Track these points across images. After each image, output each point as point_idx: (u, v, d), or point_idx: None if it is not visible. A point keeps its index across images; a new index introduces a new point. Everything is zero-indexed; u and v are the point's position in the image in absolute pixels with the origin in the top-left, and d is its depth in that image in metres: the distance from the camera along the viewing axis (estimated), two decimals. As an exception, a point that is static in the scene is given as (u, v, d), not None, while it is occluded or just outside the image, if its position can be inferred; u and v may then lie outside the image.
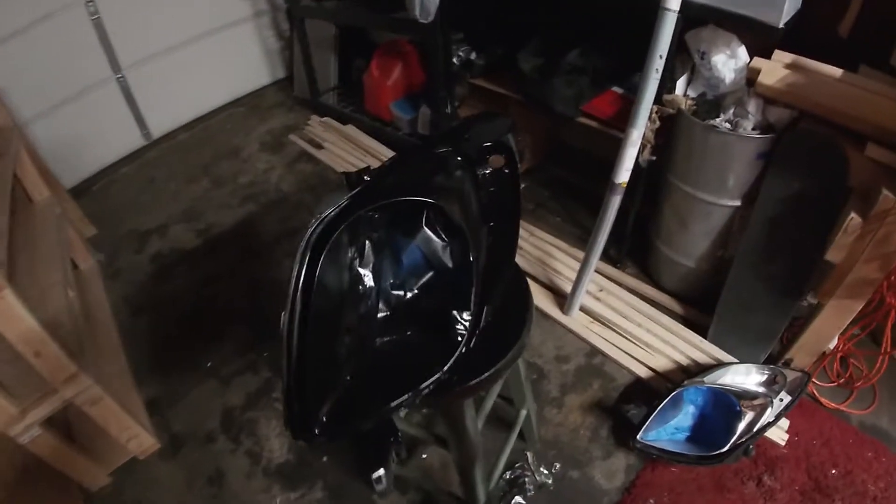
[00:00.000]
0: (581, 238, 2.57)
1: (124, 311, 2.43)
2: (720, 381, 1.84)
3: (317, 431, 0.82)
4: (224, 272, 2.57)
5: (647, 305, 2.24)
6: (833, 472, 1.78)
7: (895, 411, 1.96)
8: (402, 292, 1.06)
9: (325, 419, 0.84)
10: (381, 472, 1.57)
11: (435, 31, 2.41)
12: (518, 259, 1.34)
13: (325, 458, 1.87)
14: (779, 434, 1.84)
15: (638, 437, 1.78)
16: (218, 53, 3.46)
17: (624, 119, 1.90)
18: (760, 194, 1.77)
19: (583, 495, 1.77)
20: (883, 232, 1.48)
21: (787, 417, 1.82)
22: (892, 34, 1.64)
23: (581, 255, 2.33)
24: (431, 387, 0.91)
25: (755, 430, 1.73)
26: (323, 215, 0.88)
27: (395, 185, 1.00)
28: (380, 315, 1.02)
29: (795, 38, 1.63)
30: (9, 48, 2.63)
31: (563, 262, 2.42)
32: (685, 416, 1.88)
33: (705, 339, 2.09)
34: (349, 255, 0.99)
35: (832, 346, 1.90)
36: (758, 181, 1.79)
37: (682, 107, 1.85)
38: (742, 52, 1.74)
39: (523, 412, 1.62)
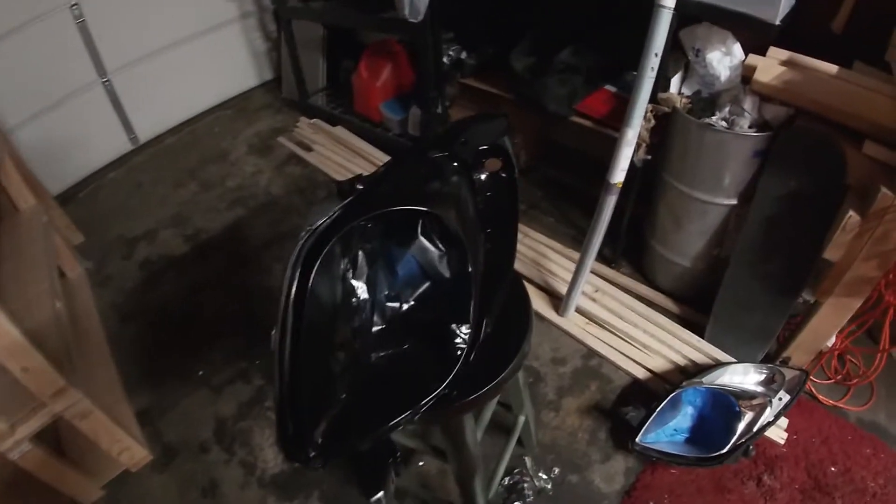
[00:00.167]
0: (575, 238, 2.56)
1: (113, 320, 2.39)
2: (718, 382, 1.83)
3: (312, 453, 0.79)
4: (213, 278, 2.54)
5: (643, 306, 2.22)
6: (832, 469, 1.78)
7: (892, 407, 1.96)
8: (397, 304, 1.03)
9: (320, 440, 0.81)
10: (381, 495, 1.53)
11: (425, 30, 2.38)
12: (513, 262, 1.31)
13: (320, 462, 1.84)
14: (778, 433, 1.83)
15: (637, 439, 1.76)
16: (204, 56, 3.41)
17: (618, 118, 1.88)
18: (757, 193, 1.76)
19: (582, 499, 1.76)
20: (881, 230, 1.47)
21: (785, 416, 1.81)
22: (886, 30, 1.63)
23: (575, 255, 2.32)
24: (431, 403, 0.88)
25: (755, 430, 1.72)
26: (314, 226, 0.85)
27: (389, 194, 0.97)
28: (375, 328, 0.99)
29: (789, 34, 1.61)
30: (-8, 53, 2.59)
31: (557, 263, 2.40)
32: (684, 418, 1.87)
33: (702, 338, 2.08)
34: (342, 266, 0.96)
35: (830, 343, 1.89)
36: (754, 179, 1.78)
37: (678, 105, 1.83)
38: (737, 49, 1.72)
39: (521, 418, 1.60)
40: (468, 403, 0.99)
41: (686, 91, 1.91)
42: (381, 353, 0.97)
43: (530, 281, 2.36)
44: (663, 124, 1.90)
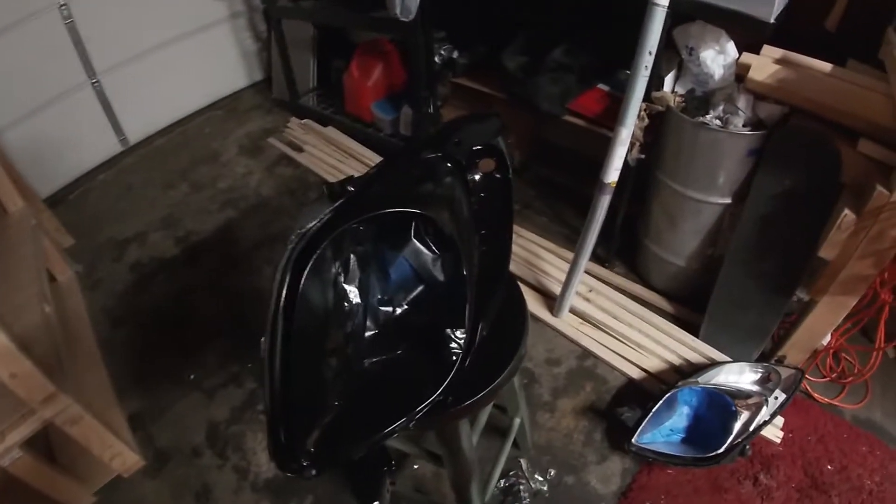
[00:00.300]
0: (568, 238, 2.55)
1: (104, 323, 2.36)
2: (714, 381, 1.82)
3: (305, 462, 0.78)
4: (204, 280, 2.51)
5: (638, 305, 2.21)
6: (829, 467, 1.78)
7: (888, 405, 1.96)
8: (390, 308, 1.01)
9: (313, 448, 0.79)
10: None
11: (416, 29, 2.36)
12: (507, 263, 1.29)
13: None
14: (774, 432, 1.83)
15: (633, 439, 1.76)
16: (194, 56, 3.38)
17: (611, 117, 1.87)
18: (751, 191, 1.75)
19: (579, 501, 1.75)
20: (877, 228, 1.46)
21: (781, 415, 1.81)
22: (879, 28, 1.63)
23: (569, 255, 2.31)
24: (426, 409, 0.86)
25: (751, 429, 1.72)
26: (304, 230, 0.83)
27: (382, 196, 0.96)
28: (367, 333, 0.97)
29: (783, 32, 1.61)
30: (-21, 55, 2.55)
31: (551, 263, 2.39)
32: (680, 418, 1.86)
33: (697, 337, 2.08)
34: (333, 270, 0.94)
35: (825, 342, 1.89)
36: (748, 178, 1.77)
37: (672, 104, 1.82)
38: (731, 47, 1.71)
39: (517, 420, 1.58)
40: (464, 409, 0.97)
41: (680, 90, 1.90)
42: (375, 359, 0.95)
43: (523, 281, 2.34)
44: (657, 123, 1.89)
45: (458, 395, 0.95)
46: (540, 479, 1.75)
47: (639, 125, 1.83)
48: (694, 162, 1.86)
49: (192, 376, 2.13)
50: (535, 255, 2.43)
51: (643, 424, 1.76)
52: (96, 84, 3.00)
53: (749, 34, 1.65)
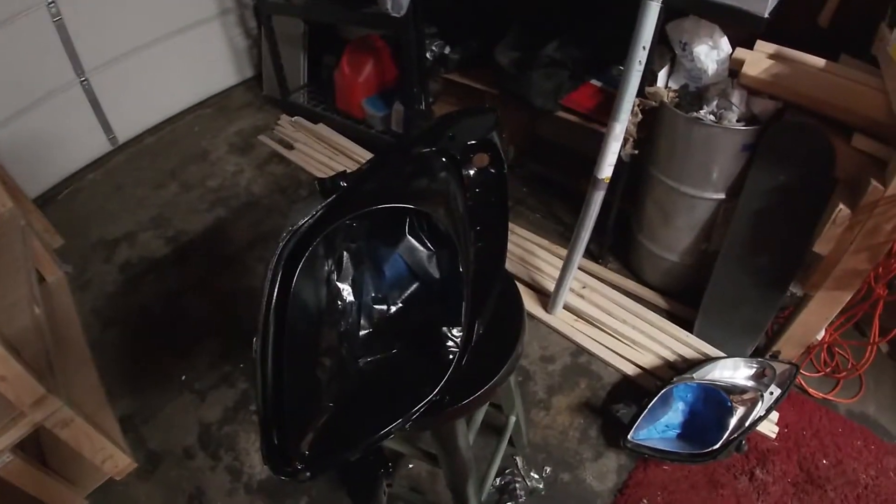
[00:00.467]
0: (562, 234, 2.54)
1: (94, 324, 2.34)
2: (709, 377, 1.82)
3: (299, 466, 0.76)
4: (195, 280, 2.49)
5: (632, 301, 2.21)
6: (824, 462, 1.78)
7: (881, 399, 1.96)
8: (385, 306, 1.00)
9: (307, 452, 0.77)
10: None
11: (407, 25, 2.34)
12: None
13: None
14: (769, 427, 1.83)
15: (629, 436, 1.75)
16: (184, 54, 3.35)
17: (604, 112, 1.86)
18: (745, 187, 1.75)
19: (575, 498, 1.75)
20: (872, 223, 1.46)
21: (776, 409, 1.81)
22: (872, 23, 1.62)
23: (562, 251, 2.31)
24: (422, 409, 0.85)
25: (747, 424, 1.72)
26: (296, 227, 0.82)
27: (375, 191, 0.94)
28: (362, 333, 0.96)
29: (775, 28, 1.60)
30: (-34, 54, 2.52)
31: (544, 260, 2.38)
32: (675, 414, 1.86)
33: (691, 333, 2.07)
34: (326, 268, 0.93)
35: (819, 337, 1.89)
36: (742, 173, 1.77)
37: (665, 99, 1.81)
38: (724, 42, 1.70)
39: (512, 418, 1.57)
40: (461, 409, 0.96)
41: (673, 85, 1.90)
42: (369, 359, 0.94)
43: (517, 278, 2.33)
44: (650, 119, 1.88)
45: (454, 395, 0.93)
46: (536, 476, 1.74)
47: (632, 121, 1.82)
48: (688, 157, 1.85)
49: (183, 377, 2.11)
50: (528, 251, 2.42)
51: (639, 421, 1.76)
52: (85, 82, 2.96)
53: (743, 29, 1.64)
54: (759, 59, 1.64)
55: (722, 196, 1.87)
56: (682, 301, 2.21)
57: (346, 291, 0.95)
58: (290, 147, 3.18)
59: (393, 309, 1.01)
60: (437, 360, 0.90)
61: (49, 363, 1.67)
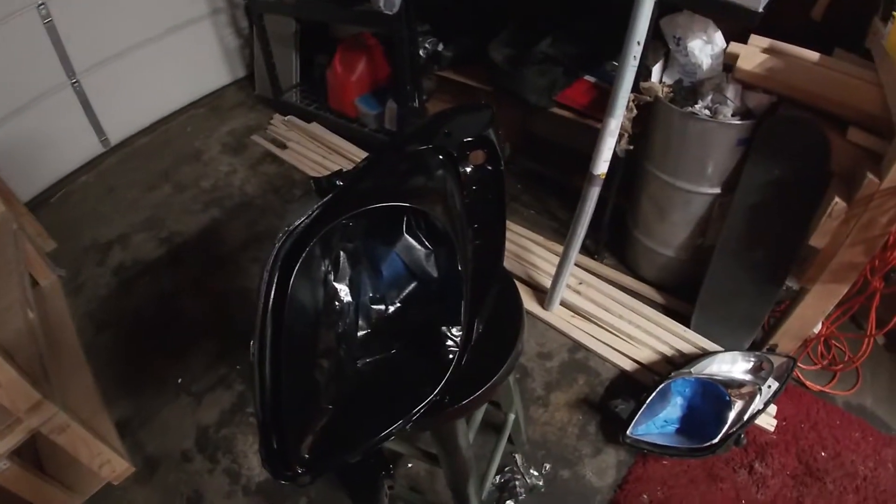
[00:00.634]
0: (557, 231, 2.54)
1: (88, 328, 2.32)
2: (707, 371, 1.82)
3: (300, 470, 0.75)
4: (190, 282, 2.48)
5: (628, 297, 2.21)
6: (822, 454, 1.79)
7: (878, 391, 1.97)
8: (382, 306, 0.99)
9: (307, 455, 0.76)
10: None
11: (400, 22, 2.33)
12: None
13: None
14: (767, 420, 1.83)
15: (628, 431, 1.75)
16: (175, 54, 3.32)
17: (598, 108, 1.86)
18: (741, 181, 1.75)
19: (575, 495, 1.75)
20: (867, 216, 1.47)
21: (774, 403, 1.81)
22: (865, 17, 1.63)
23: (558, 248, 2.31)
24: (423, 410, 0.84)
25: (745, 418, 1.72)
26: (292, 227, 0.81)
27: (372, 190, 0.93)
28: (360, 333, 0.95)
29: (769, 22, 1.60)
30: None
31: (540, 257, 2.38)
32: (674, 408, 1.86)
33: (688, 328, 2.07)
34: (322, 268, 0.92)
35: (816, 330, 1.89)
36: (738, 168, 1.77)
37: (660, 94, 1.81)
38: (718, 37, 1.70)
39: (511, 416, 1.57)
40: (461, 408, 0.95)
41: (667, 80, 1.89)
42: (368, 360, 0.93)
43: (513, 275, 2.32)
44: (645, 114, 1.88)
45: (455, 395, 0.93)
46: (535, 473, 1.74)
47: (627, 116, 1.81)
48: (683, 152, 1.85)
49: (179, 379, 2.10)
50: (524, 248, 2.42)
51: (637, 416, 1.76)
52: (76, 84, 2.94)
53: (738, 23, 1.64)
54: (753, 54, 1.64)
55: (717, 190, 1.87)
56: (679, 296, 2.21)
57: (344, 292, 0.94)
58: (283, 146, 3.17)
59: (391, 309, 1.00)
60: (436, 360, 0.90)
61: (44, 368, 1.65)
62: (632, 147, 1.91)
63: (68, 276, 2.54)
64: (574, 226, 1.89)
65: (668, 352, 2.01)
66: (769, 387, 1.75)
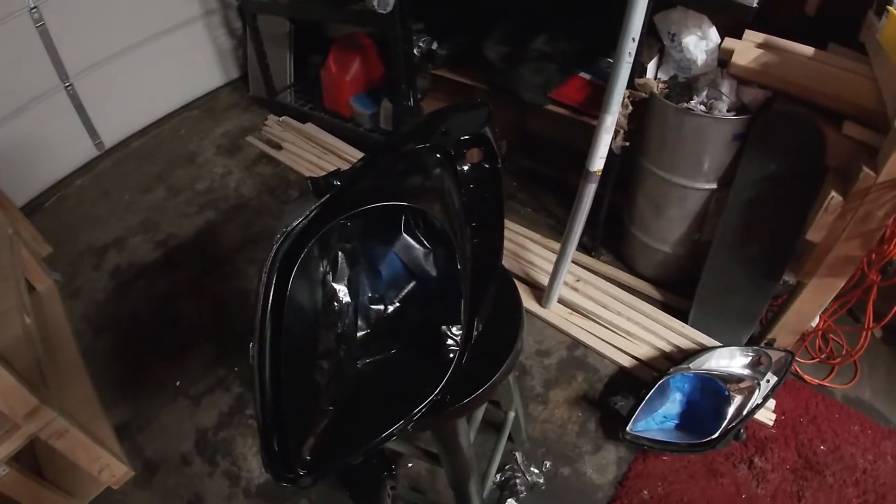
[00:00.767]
0: (553, 228, 2.54)
1: (86, 333, 2.31)
2: (706, 367, 1.82)
3: (301, 472, 0.75)
4: (186, 284, 2.47)
5: (626, 293, 2.21)
6: (822, 448, 1.79)
7: (876, 384, 1.98)
8: (381, 306, 0.98)
9: (308, 457, 0.76)
10: None
11: (394, 21, 2.33)
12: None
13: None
14: (766, 414, 1.84)
15: (627, 428, 1.76)
16: (168, 56, 3.31)
17: (593, 105, 1.86)
18: (737, 176, 1.75)
19: (576, 492, 1.75)
20: (864, 210, 1.47)
21: (773, 397, 1.81)
22: (859, 11, 1.63)
23: (555, 245, 2.31)
24: (424, 410, 0.84)
25: (744, 413, 1.72)
26: (289, 228, 0.80)
27: (370, 189, 0.92)
28: (359, 334, 0.95)
29: (763, 17, 1.60)
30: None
31: (536, 254, 2.38)
32: (673, 404, 1.86)
33: (686, 324, 2.08)
34: (321, 269, 0.91)
35: (814, 324, 1.90)
36: (734, 163, 1.77)
37: (655, 90, 1.81)
38: (713, 32, 1.70)
39: (511, 414, 1.56)
40: (462, 408, 0.94)
41: (662, 76, 1.89)
42: (368, 360, 0.93)
43: (511, 273, 2.33)
44: (641, 110, 1.88)
45: (455, 394, 0.92)
46: (536, 471, 1.74)
47: (623, 112, 1.81)
48: (679, 148, 1.85)
49: (177, 382, 2.09)
50: (521, 246, 2.42)
51: (637, 412, 1.76)
52: (69, 87, 2.93)
53: (732, 19, 1.64)
54: (748, 49, 1.64)
55: (713, 186, 1.87)
56: (676, 292, 2.21)
57: (343, 292, 0.94)
58: (278, 147, 3.16)
59: (390, 309, 0.99)
60: (436, 360, 0.89)
61: (41, 373, 1.65)
62: (627, 143, 1.91)
63: (64, 280, 2.53)
64: (571, 223, 1.90)
65: (667, 348, 2.01)
66: (768, 381, 1.75)
